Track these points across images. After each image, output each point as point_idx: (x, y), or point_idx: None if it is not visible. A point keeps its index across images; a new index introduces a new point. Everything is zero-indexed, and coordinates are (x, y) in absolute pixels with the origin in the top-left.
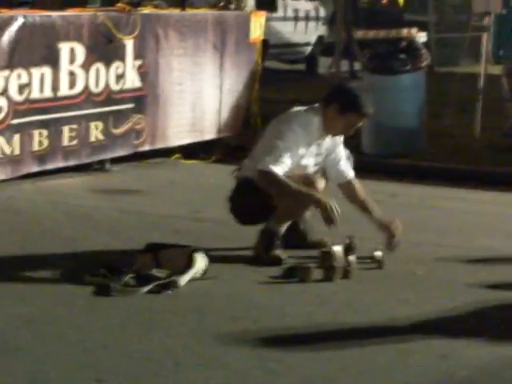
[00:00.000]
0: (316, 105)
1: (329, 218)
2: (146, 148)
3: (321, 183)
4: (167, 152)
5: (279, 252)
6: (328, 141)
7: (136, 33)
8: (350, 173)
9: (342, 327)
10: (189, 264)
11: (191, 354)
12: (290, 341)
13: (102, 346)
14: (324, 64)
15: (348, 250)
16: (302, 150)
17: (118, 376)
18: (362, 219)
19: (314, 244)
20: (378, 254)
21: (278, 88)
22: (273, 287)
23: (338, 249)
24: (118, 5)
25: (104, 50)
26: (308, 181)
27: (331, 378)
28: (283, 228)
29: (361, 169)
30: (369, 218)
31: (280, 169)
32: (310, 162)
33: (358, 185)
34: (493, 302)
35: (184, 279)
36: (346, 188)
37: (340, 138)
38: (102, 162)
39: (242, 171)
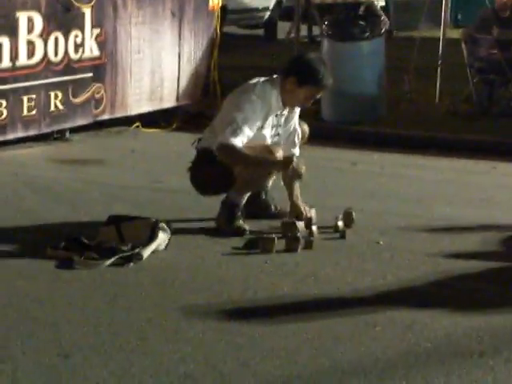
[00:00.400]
0: (274, 76)
1: (295, 173)
2: (106, 117)
3: (279, 152)
4: (127, 121)
5: (241, 223)
6: (286, 112)
7: (94, 1)
8: (296, 150)
9: (305, 299)
10: (151, 236)
11: (155, 327)
12: (254, 313)
13: (66, 320)
14: (283, 29)
15: (310, 220)
16: (260, 121)
17: (83, 350)
18: (322, 189)
19: (277, 214)
20: (340, 223)
21: (237, 54)
22: (235, 259)
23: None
24: None
25: (62, 19)
26: (267, 150)
27: (295, 351)
28: (244, 198)
29: (320, 136)
30: (291, 204)
31: (239, 140)
32: (268, 133)
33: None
34: (454, 272)
35: (147, 251)
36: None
37: (297, 110)
38: (61, 132)
39: (202, 142)
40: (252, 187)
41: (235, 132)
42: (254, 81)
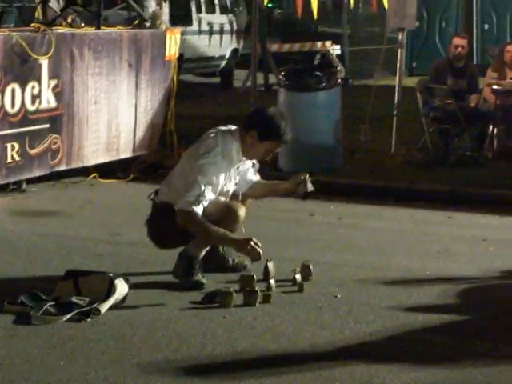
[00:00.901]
0: (233, 128)
1: (254, 256)
2: (62, 167)
3: (242, 211)
4: (84, 171)
5: (199, 277)
6: (243, 163)
7: (51, 52)
8: (256, 177)
9: (263, 354)
10: (109, 291)
11: None
12: (212, 370)
13: (23, 377)
14: (239, 77)
15: (267, 273)
16: (223, 179)
17: None
18: (280, 240)
19: (234, 267)
20: (298, 277)
21: (193, 102)
22: (193, 313)
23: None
24: (32, 24)
25: (19, 70)
26: (228, 210)
27: None
28: (203, 252)
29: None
30: (279, 189)
31: (200, 208)
32: (230, 187)
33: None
34: (412, 325)
35: (105, 307)
36: (253, 188)
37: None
38: (18, 183)
39: (160, 196)
40: (210, 244)
41: (197, 199)
42: (213, 134)
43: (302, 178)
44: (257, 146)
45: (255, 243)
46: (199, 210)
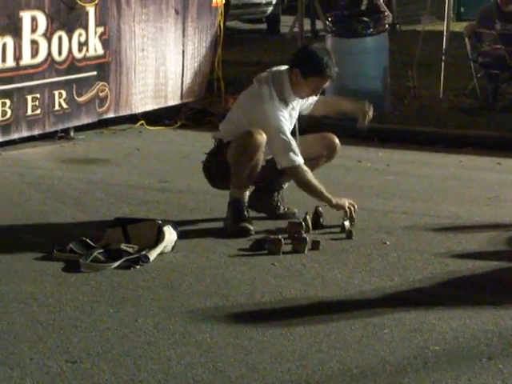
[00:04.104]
0: (282, 68)
1: (350, 217)
2: (110, 115)
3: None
4: (132, 119)
5: (247, 224)
6: (298, 102)
7: (97, 0)
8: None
9: (312, 301)
10: (158, 238)
11: (163, 331)
12: (261, 317)
13: (73, 325)
14: (286, 23)
15: (317, 220)
16: (288, 116)
17: (91, 356)
18: (328, 187)
19: (284, 215)
20: (347, 223)
21: (240, 49)
22: (242, 260)
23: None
24: None
25: (66, 17)
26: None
27: (303, 355)
28: (245, 193)
29: (324, 131)
30: (341, 109)
31: (300, 155)
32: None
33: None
34: (462, 272)
35: (154, 254)
36: (315, 105)
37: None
38: (66, 130)
39: (217, 133)
40: (246, 180)
41: (291, 149)
42: (265, 76)
43: (367, 109)
44: (302, 83)
45: (353, 205)
46: (301, 158)
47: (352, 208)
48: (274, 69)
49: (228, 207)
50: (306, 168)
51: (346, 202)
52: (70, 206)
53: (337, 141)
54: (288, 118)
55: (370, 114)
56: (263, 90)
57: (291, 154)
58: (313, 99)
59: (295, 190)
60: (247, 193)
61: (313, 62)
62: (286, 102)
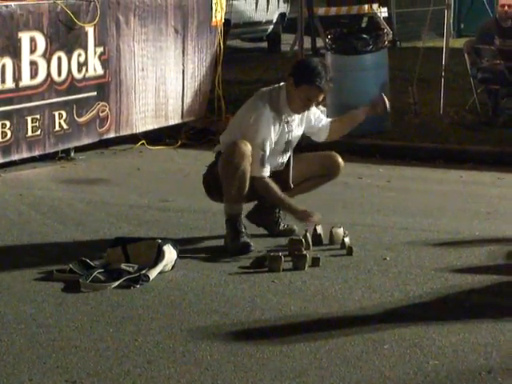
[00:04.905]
0: (283, 83)
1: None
2: (111, 135)
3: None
4: (132, 139)
5: (246, 239)
6: (296, 118)
7: (96, 20)
8: (324, 119)
9: (312, 318)
10: (158, 257)
11: (163, 350)
12: (261, 334)
13: (73, 345)
14: (287, 41)
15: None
16: (273, 131)
17: (90, 376)
18: (328, 203)
19: (284, 232)
20: (347, 240)
21: (240, 68)
22: (243, 278)
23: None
24: None
25: (65, 38)
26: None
27: (303, 372)
28: (238, 207)
29: (325, 149)
30: (358, 117)
31: (267, 168)
32: (284, 157)
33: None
34: (462, 287)
35: (154, 273)
36: (332, 128)
37: (314, 110)
38: (67, 151)
39: (218, 146)
40: (236, 194)
41: (262, 161)
42: (264, 88)
43: (380, 98)
44: (294, 93)
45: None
46: (267, 171)
47: (313, 218)
48: (276, 85)
49: (226, 225)
50: (267, 181)
51: (312, 215)
52: (70, 227)
53: (340, 160)
54: (277, 129)
55: (385, 100)
56: (258, 101)
57: (258, 163)
58: (318, 119)
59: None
60: (242, 208)
61: (305, 71)
62: (278, 112)
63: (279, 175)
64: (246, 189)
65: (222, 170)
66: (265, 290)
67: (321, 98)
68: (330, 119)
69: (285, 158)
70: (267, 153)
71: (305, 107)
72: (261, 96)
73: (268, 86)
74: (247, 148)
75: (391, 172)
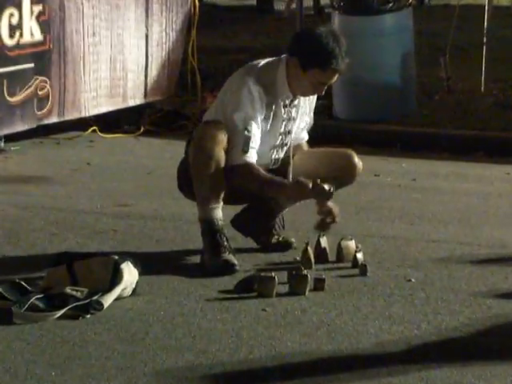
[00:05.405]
0: (284, 55)
1: (324, 194)
2: (53, 120)
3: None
4: (81, 124)
5: (229, 256)
6: (303, 104)
7: None
8: (305, 135)
9: (315, 358)
10: (114, 278)
11: None
12: (249, 378)
13: None
14: None
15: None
16: (262, 113)
17: None
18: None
19: (276, 245)
20: (360, 255)
21: (221, 32)
22: (224, 305)
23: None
24: None
25: None
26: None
27: None
28: (217, 214)
29: (333, 139)
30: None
31: (254, 154)
32: (287, 138)
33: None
34: (509, 317)
35: (109, 299)
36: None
37: (314, 100)
38: None
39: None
40: (211, 189)
41: (245, 144)
42: (256, 61)
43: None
44: (301, 77)
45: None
46: (253, 157)
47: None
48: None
49: (202, 237)
50: (255, 168)
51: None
52: (0, 239)
53: (356, 160)
54: (270, 113)
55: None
56: (244, 75)
57: (239, 147)
58: (312, 107)
59: (293, 213)
60: (219, 210)
61: (314, 50)
62: (272, 92)
63: None
64: (223, 184)
65: (192, 159)
66: (253, 321)
67: (336, 79)
68: (304, 140)
69: (281, 154)
70: (254, 136)
71: (315, 91)
72: (248, 70)
73: (259, 58)
74: (221, 129)
75: (417, 167)
